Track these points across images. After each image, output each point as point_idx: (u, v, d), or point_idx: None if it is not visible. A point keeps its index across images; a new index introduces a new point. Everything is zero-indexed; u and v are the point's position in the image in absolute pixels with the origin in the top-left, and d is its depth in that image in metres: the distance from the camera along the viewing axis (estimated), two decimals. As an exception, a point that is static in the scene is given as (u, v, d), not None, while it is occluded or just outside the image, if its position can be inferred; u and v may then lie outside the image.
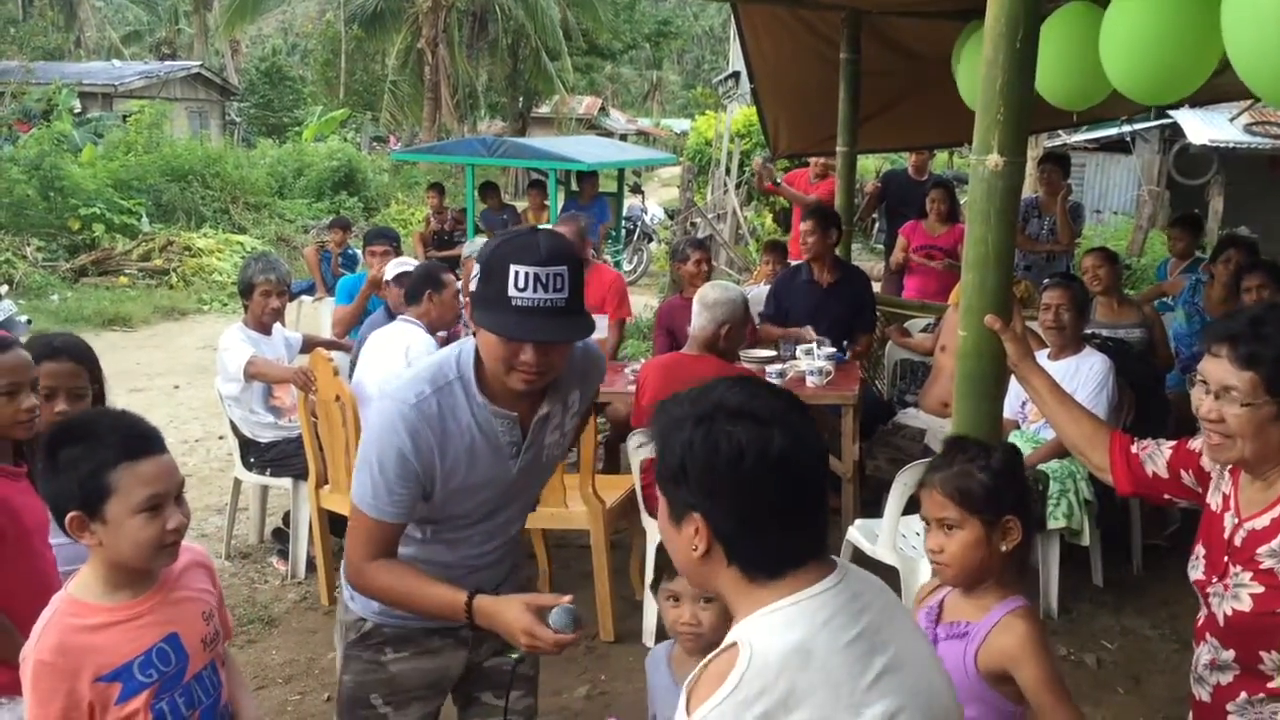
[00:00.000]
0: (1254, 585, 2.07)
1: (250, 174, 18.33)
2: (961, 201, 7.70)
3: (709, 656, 1.47)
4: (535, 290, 2.04)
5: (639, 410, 4.54)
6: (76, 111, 20.75)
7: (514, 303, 2.05)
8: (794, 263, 7.48)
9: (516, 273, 2.04)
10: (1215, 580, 2.17)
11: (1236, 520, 2.14)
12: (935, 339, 5.87)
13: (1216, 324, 2.23)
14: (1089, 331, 5.17)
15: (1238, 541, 2.11)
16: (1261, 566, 2.06)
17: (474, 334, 2.21)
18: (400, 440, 2.16)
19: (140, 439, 1.99)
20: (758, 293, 6.55)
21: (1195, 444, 2.30)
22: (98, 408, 2.13)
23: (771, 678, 1.39)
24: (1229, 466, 2.20)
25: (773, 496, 1.47)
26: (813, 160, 8.93)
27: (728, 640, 1.46)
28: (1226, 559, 2.13)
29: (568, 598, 2.13)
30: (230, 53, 34.23)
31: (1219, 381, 2.07)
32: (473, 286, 2.17)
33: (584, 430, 2.81)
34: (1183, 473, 2.32)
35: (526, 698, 2.61)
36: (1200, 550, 2.24)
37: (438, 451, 2.19)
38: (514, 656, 2.29)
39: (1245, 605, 2.08)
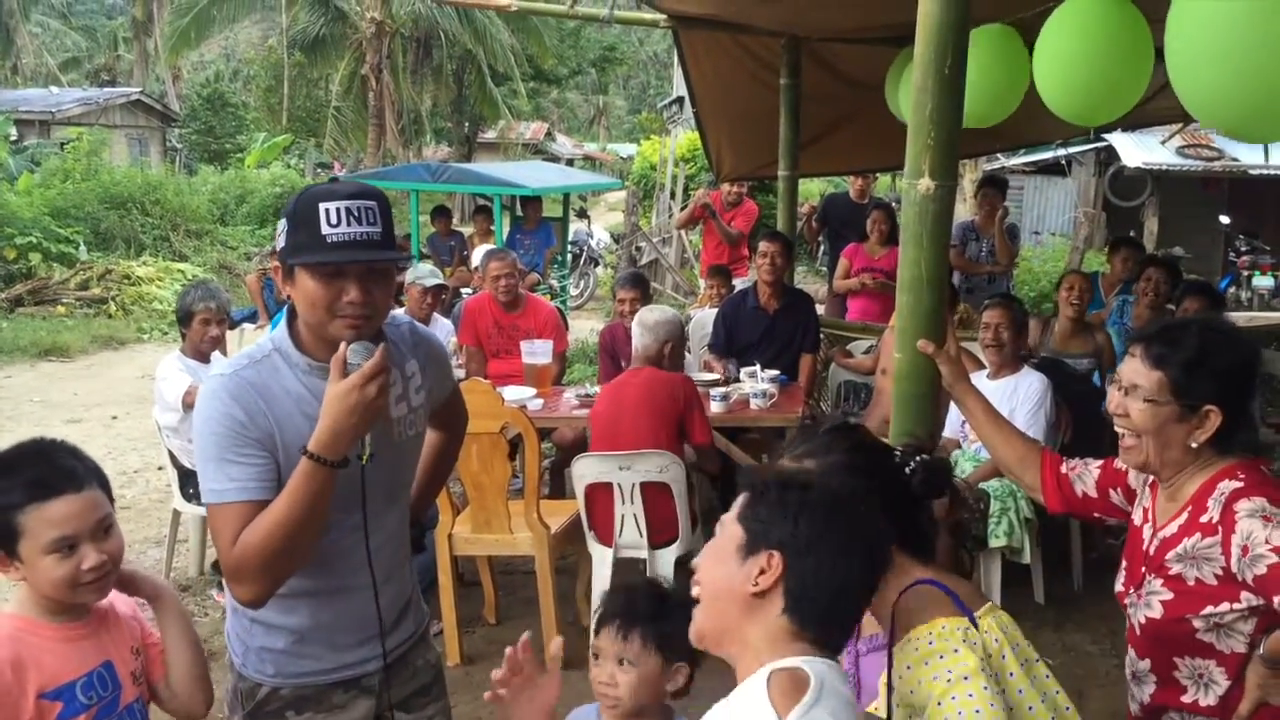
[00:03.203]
0: (1164, 591, 2.12)
1: (191, 201, 18.14)
2: (902, 224, 7.78)
3: (768, 672, 1.47)
4: (349, 224, 1.99)
5: (596, 436, 4.63)
6: (13, 139, 20.44)
7: (329, 239, 1.99)
8: (738, 283, 7.54)
9: (327, 210, 1.99)
10: (1132, 590, 2.21)
11: (1153, 530, 2.20)
12: (875, 360, 5.93)
13: (1138, 329, 2.31)
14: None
15: (1152, 551, 2.17)
16: (1170, 572, 2.11)
17: (286, 298, 2.09)
18: (226, 406, 2.02)
19: (55, 477, 1.92)
20: (703, 316, 6.59)
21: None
22: (28, 440, 2.04)
23: (839, 705, 1.44)
24: (1150, 481, 2.26)
25: (855, 576, 1.54)
26: (725, 188, 8.96)
27: (780, 664, 1.47)
28: (1143, 569, 2.18)
29: (343, 345, 2.01)
30: (171, 79, 33.92)
31: (1129, 379, 2.15)
32: (280, 242, 2.06)
33: (458, 440, 2.71)
34: (1111, 491, 2.37)
35: None
36: (1124, 564, 2.29)
37: (271, 417, 2.04)
38: (364, 462, 2.08)
39: (1156, 612, 2.12)
